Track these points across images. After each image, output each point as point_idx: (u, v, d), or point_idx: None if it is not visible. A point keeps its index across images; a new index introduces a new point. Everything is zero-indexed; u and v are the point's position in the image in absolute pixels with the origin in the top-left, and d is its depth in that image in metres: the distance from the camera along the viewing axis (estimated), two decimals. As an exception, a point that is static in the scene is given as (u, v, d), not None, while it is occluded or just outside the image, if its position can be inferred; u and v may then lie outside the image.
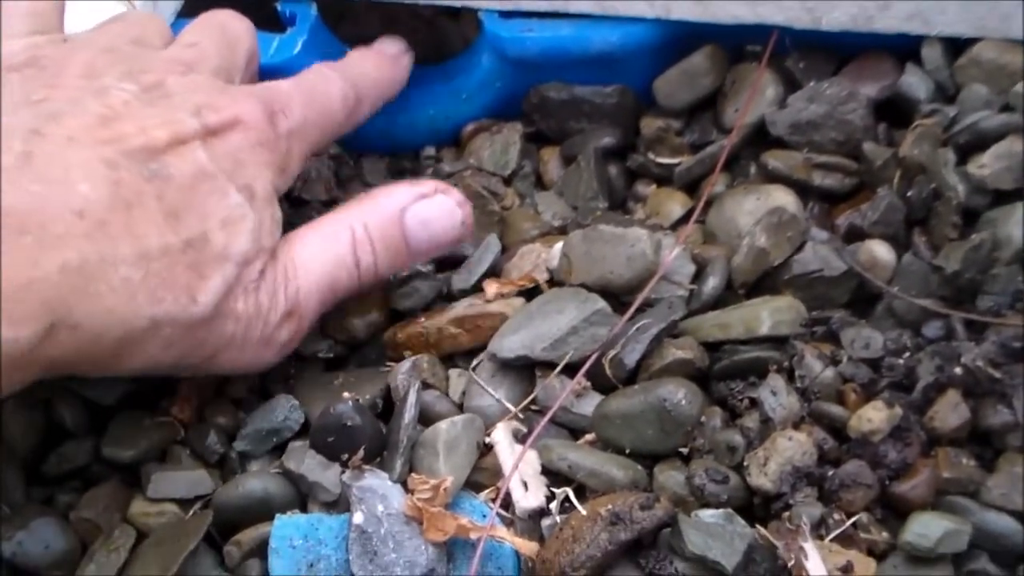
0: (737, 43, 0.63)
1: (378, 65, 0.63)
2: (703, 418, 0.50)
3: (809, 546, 0.44)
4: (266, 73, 0.63)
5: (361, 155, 0.68)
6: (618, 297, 0.54)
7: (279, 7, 0.66)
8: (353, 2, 0.66)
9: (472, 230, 0.56)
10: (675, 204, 0.61)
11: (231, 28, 0.58)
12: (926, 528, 0.45)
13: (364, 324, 0.57)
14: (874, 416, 0.47)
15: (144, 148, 0.46)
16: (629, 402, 0.50)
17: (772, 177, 0.59)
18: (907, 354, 0.50)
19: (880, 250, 0.54)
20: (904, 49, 0.60)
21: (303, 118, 0.54)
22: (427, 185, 0.54)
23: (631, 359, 0.52)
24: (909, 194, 0.56)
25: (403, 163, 0.68)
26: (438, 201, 0.54)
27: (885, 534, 0.46)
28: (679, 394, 0.49)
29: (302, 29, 0.65)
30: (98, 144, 0.44)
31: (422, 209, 0.54)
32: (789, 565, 0.44)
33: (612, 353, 0.52)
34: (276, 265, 0.50)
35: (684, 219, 0.60)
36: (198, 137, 0.48)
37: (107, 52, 0.50)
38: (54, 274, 0.40)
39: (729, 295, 0.55)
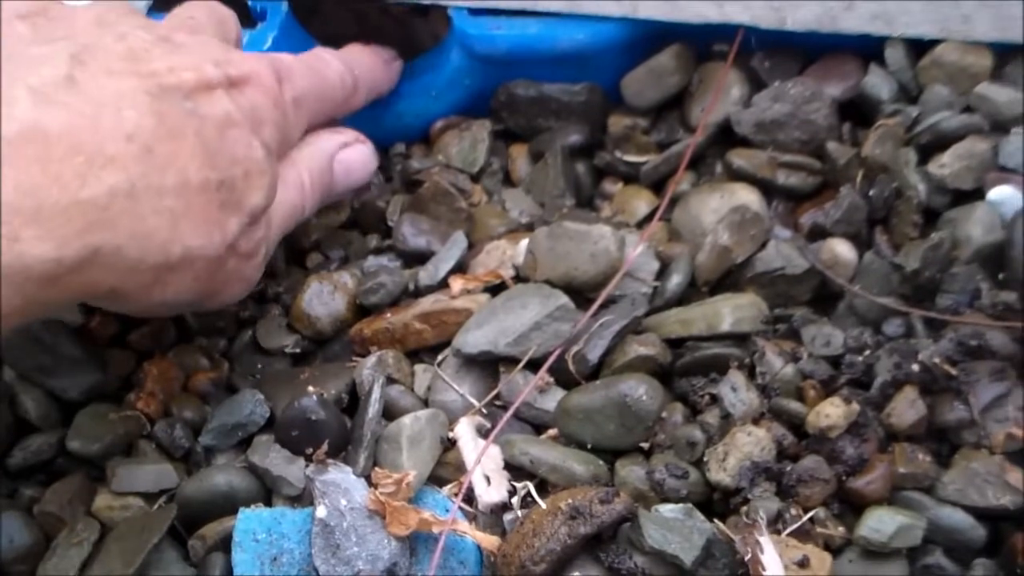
0: (704, 42, 0.64)
1: (374, 59, 0.64)
2: (664, 414, 0.50)
3: (765, 540, 0.45)
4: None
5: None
6: (582, 293, 0.55)
7: (250, 2, 0.66)
8: (324, -1, 0.66)
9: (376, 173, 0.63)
10: (641, 202, 0.62)
11: (220, 10, 0.58)
12: (881, 523, 0.45)
13: (330, 320, 0.57)
14: (832, 412, 0.48)
15: (178, 86, 0.46)
16: (591, 397, 0.50)
17: (737, 176, 0.59)
18: (867, 352, 0.51)
19: (842, 248, 0.55)
20: (868, 50, 0.61)
21: (305, 89, 0.55)
22: (347, 133, 0.59)
23: (594, 355, 0.52)
24: (871, 193, 0.56)
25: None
26: (359, 150, 0.59)
27: (841, 529, 0.47)
28: (640, 390, 0.50)
29: (272, 24, 0.65)
30: (138, 76, 0.44)
31: (347, 156, 0.58)
32: (746, 559, 0.45)
33: (575, 349, 0.52)
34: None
35: (650, 217, 0.60)
36: (222, 86, 0.48)
37: (113, 9, 0.50)
38: (103, 196, 0.41)
39: (693, 292, 0.56)
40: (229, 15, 0.58)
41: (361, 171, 0.59)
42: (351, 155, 0.58)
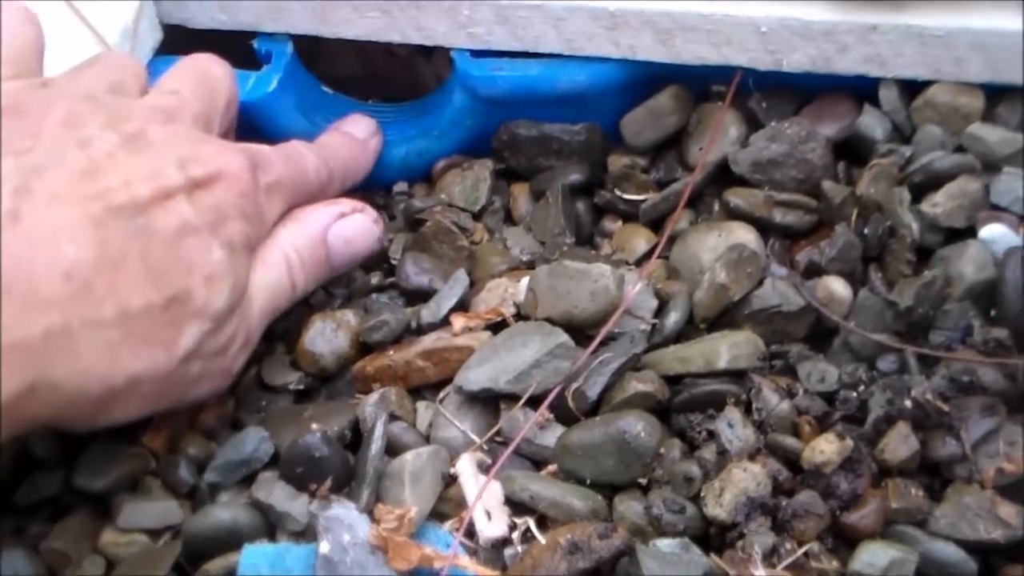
0: (702, 84, 0.66)
1: (349, 149, 0.65)
2: (662, 450, 0.52)
3: (760, 574, 0.46)
4: (243, 110, 0.65)
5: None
6: (582, 331, 0.56)
7: (256, 45, 0.68)
8: (329, 41, 0.67)
9: (384, 239, 0.63)
10: (640, 240, 0.63)
11: (211, 74, 0.58)
12: (874, 557, 0.46)
13: (334, 357, 0.59)
14: (826, 448, 0.49)
15: (129, 204, 0.46)
16: (590, 434, 0.52)
17: (734, 214, 0.61)
18: (861, 387, 0.52)
19: (837, 286, 0.56)
20: (863, 91, 0.63)
21: (281, 176, 0.55)
22: (344, 204, 0.59)
23: (593, 392, 0.53)
24: (866, 231, 0.58)
25: (376, 199, 0.70)
26: (357, 220, 0.59)
27: (835, 563, 0.48)
28: (638, 426, 0.51)
29: (278, 66, 0.67)
30: (84, 201, 0.45)
31: (343, 228, 0.58)
32: (740, 590, 0.46)
33: (575, 386, 0.54)
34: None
35: (648, 254, 0.62)
36: (183, 190, 0.49)
37: (87, 100, 0.50)
38: (38, 338, 0.42)
39: (691, 329, 0.57)
40: (222, 78, 0.59)
41: (363, 241, 0.59)
42: (348, 226, 0.59)
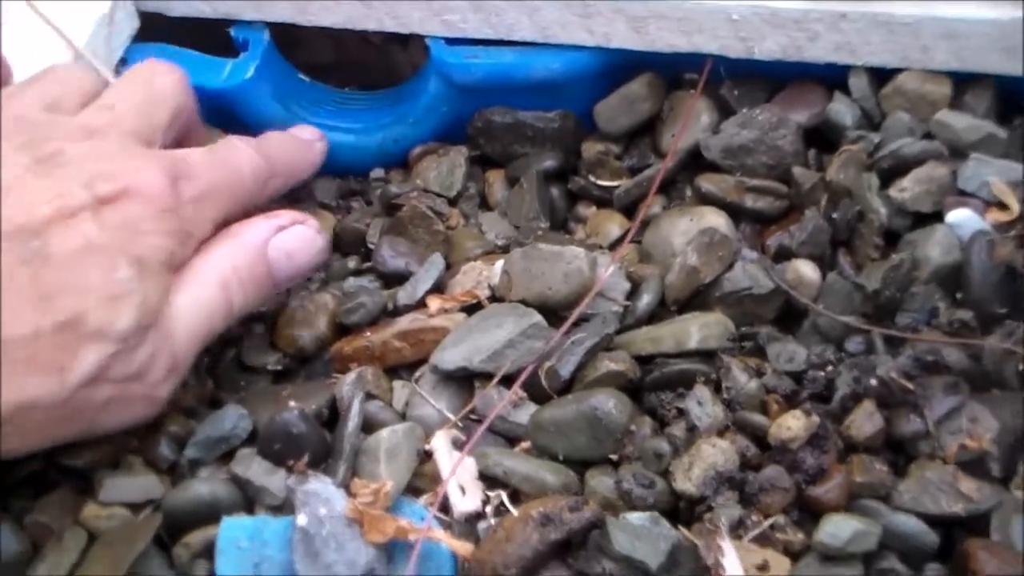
0: (674, 71, 0.67)
1: (291, 145, 0.65)
2: (633, 427, 0.53)
3: (727, 545, 0.48)
4: (219, 97, 0.67)
5: (314, 176, 0.71)
6: (555, 312, 0.58)
7: (233, 32, 0.69)
8: (305, 29, 0.69)
9: (330, 251, 0.62)
10: (613, 225, 0.65)
11: (157, 85, 0.58)
12: (838, 529, 0.48)
13: (312, 339, 0.60)
14: (793, 424, 0.51)
15: (26, 226, 0.45)
16: (562, 411, 0.53)
17: (706, 199, 0.63)
18: (829, 368, 0.54)
19: (806, 269, 0.58)
20: (833, 79, 0.65)
21: (210, 183, 0.54)
22: (283, 216, 0.57)
23: (566, 370, 0.55)
24: (835, 216, 0.59)
25: (352, 184, 0.71)
26: (298, 232, 0.57)
27: (800, 535, 0.49)
28: (609, 403, 0.53)
29: (255, 54, 0.68)
30: None
31: (284, 242, 0.56)
32: (709, 563, 0.47)
33: (548, 365, 0.55)
34: (156, 326, 0.50)
35: (621, 239, 0.63)
36: (88, 208, 0.47)
37: (15, 119, 0.50)
38: None
39: (662, 311, 0.59)
40: (168, 89, 0.58)
41: (306, 254, 0.57)
42: (289, 238, 0.57)
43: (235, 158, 0.57)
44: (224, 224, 0.55)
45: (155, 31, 0.69)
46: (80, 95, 0.56)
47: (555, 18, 0.65)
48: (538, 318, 0.56)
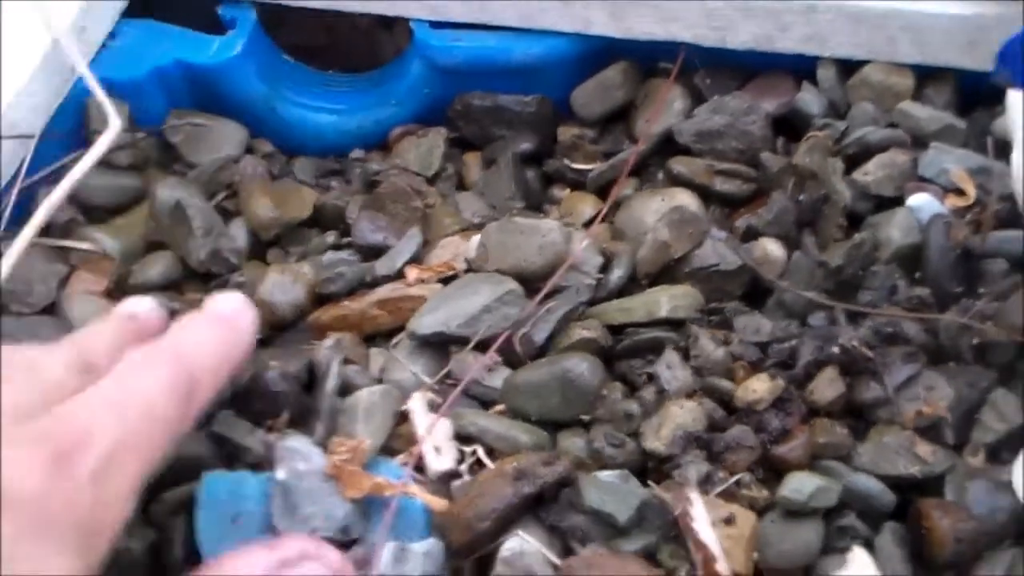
0: (650, 60, 0.70)
1: (213, 333, 0.50)
2: (604, 391, 0.55)
3: (695, 497, 0.50)
4: (205, 75, 0.69)
5: (293, 155, 0.73)
6: (530, 283, 0.60)
7: (220, 11, 0.71)
8: (292, 10, 0.71)
9: None
10: (587, 206, 0.67)
11: (86, 347, 0.48)
12: (800, 484, 0.50)
13: (290, 307, 0.62)
14: (759, 387, 0.53)
15: None
16: (536, 373, 0.55)
17: (677, 181, 0.65)
18: (793, 340, 0.56)
19: (773, 248, 0.61)
20: (802, 69, 0.67)
21: (116, 441, 0.41)
22: (291, 547, 0.46)
23: (540, 337, 0.57)
24: (801, 198, 0.62)
25: (332, 164, 0.73)
26: (309, 569, 0.45)
27: (765, 491, 0.52)
28: (582, 366, 0.55)
29: (242, 32, 0.70)
30: None
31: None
32: (677, 514, 0.50)
33: (522, 331, 0.57)
34: None
35: (595, 218, 0.65)
36: None
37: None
38: None
39: (634, 286, 0.61)
40: (97, 341, 0.49)
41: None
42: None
43: (145, 386, 0.44)
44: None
45: (145, 6, 0.71)
46: (75, 378, 0.45)
47: (537, 4, 0.68)
48: (514, 285, 0.58)
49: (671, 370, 0.55)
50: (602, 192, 0.68)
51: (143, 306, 0.52)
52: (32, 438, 0.39)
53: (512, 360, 0.58)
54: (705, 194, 0.64)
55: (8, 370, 0.43)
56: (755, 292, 0.61)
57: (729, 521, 0.50)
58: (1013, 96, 0.53)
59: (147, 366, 0.45)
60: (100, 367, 0.46)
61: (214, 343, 0.49)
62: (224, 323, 0.51)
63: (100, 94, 0.63)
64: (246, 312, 0.52)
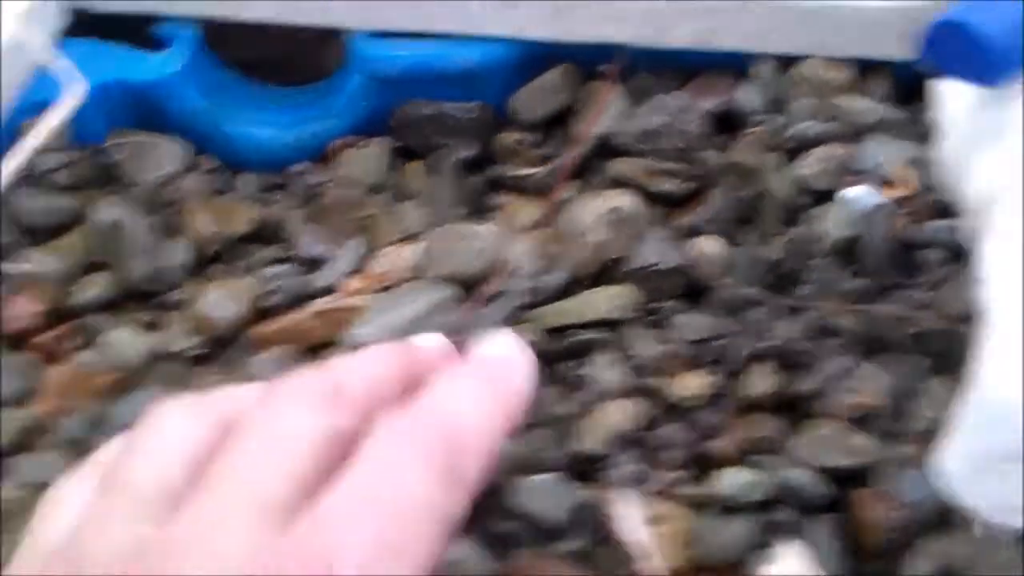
0: (590, 62, 0.70)
1: (483, 392, 0.38)
2: (540, 394, 0.55)
3: (628, 497, 0.50)
4: (147, 91, 0.69)
5: (238, 170, 0.73)
6: (470, 288, 0.60)
7: (159, 28, 0.72)
8: (233, 24, 0.71)
9: None
10: (528, 211, 0.67)
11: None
12: (733, 479, 0.51)
13: (230, 323, 0.62)
14: (692, 384, 0.53)
15: None
16: (471, 379, 0.55)
17: (617, 183, 0.65)
18: (729, 337, 0.57)
19: (711, 245, 0.61)
20: (741, 66, 0.68)
21: (375, 549, 0.32)
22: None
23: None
24: (740, 195, 0.62)
25: (276, 178, 0.73)
26: None
27: (698, 488, 0.52)
28: (518, 370, 0.55)
29: (182, 49, 0.71)
30: None
31: None
32: (610, 515, 0.50)
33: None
34: None
35: (536, 225, 0.66)
36: None
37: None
38: None
39: (574, 287, 0.61)
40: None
41: None
42: None
43: (401, 476, 0.33)
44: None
45: (83, 27, 0.72)
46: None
47: (474, 9, 0.68)
48: (449, 293, 0.59)
49: (606, 371, 0.55)
50: (544, 196, 0.68)
51: (430, 342, 0.43)
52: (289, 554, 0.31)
53: (450, 366, 0.58)
54: (645, 194, 0.64)
55: (258, 434, 0.34)
56: (695, 290, 0.61)
57: (662, 519, 0.50)
58: (940, 83, 0.53)
59: (406, 446, 0.34)
60: (354, 428, 0.35)
61: (486, 406, 0.38)
62: (496, 379, 0.39)
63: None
64: (519, 359, 0.41)
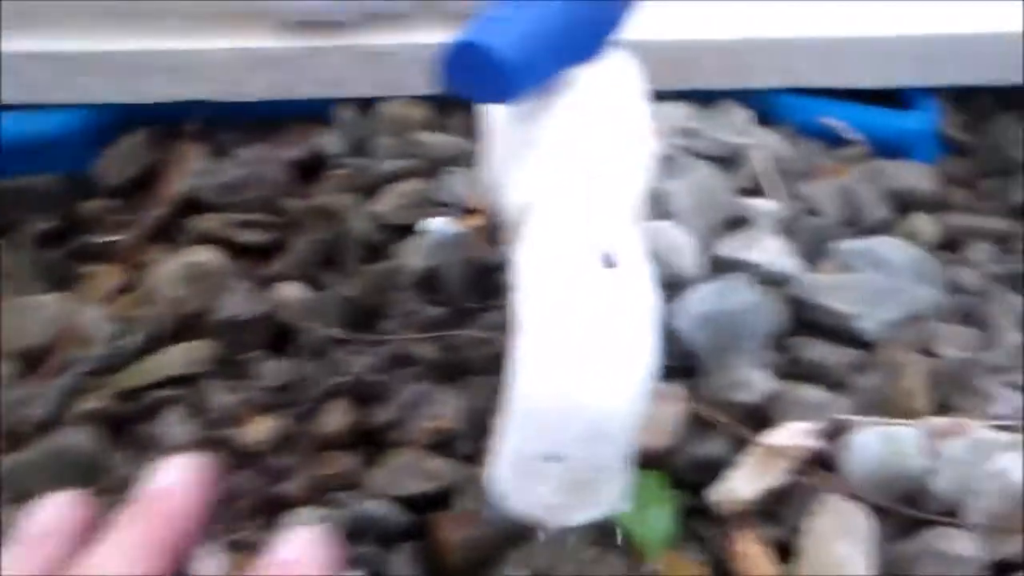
0: (171, 122, 0.69)
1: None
2: (111, 459, 0.53)
3: (211, 551, 0.48)
4: None
5: None
6: (41, 360, 0.57)
7: None
8: None
9: None
10: (114, 277, 0.65)
11: None
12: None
13: None
14: (260, 428, 0.52)
15: None
16: (33, 453, 0.53)
17: (203, 238, 0.64)
18: (310, 377, 0.56)
19: (292, 290, 0.60)
20: (324, 112, 0.68)
21: None
22: None
23: (38, 415, 0.54)
24: (324, 238, 0.62)
25: None
26: None
27: (268, 533, 0.50)
28: (78, 437, 0.53)
29: None
30: None
31: None
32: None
33: (22, 412, 0.55)
34: None
35: (122, 288, 0.64)
36: None
37: None
38: None
39: (153, 346, 0.59)
40: None
41: None
42: None
43: None
44: None
45: None
46: None
47: (38, 77, 0.66)
48: (9, 369, 0.56)
49: (176, 427, 0.54)
50: (127, 260, 0.66)
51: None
52: None
53: (19, 442, 0.55)
54: (230, 246, 0.63)
55: None
56: (279, 336, 0.60)
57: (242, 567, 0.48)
58: (478, 107, 0.54)
59: None
60: None
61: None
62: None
63: None
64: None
